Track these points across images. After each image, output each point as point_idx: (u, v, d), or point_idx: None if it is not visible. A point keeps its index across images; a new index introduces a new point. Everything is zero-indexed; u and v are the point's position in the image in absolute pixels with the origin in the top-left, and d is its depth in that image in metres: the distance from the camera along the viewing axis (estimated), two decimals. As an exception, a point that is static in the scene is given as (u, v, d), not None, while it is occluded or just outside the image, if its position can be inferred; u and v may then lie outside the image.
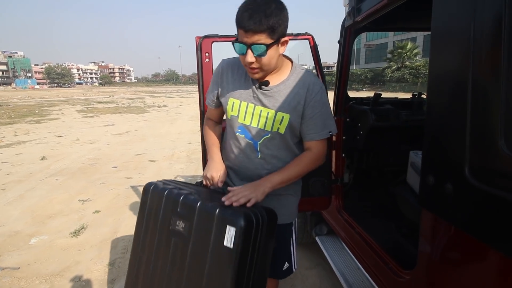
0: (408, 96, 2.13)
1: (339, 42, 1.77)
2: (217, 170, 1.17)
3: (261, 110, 1.11)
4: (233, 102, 1.14)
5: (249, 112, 1.13)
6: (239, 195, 1.01)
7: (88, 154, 6.13)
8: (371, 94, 2.08)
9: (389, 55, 31.89)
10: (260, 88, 1.10)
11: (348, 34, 1.69)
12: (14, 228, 3.00)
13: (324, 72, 1.78)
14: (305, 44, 1.74)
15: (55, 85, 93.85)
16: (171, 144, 6.89)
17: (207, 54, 1.67)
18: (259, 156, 1.15)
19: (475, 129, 0.73)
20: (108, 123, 10.91)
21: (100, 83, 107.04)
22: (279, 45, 1.02)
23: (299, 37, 1.70)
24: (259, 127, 1.12)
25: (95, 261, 2.43)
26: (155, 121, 11.36)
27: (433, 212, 0.91)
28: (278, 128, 1.11)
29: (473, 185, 0.74)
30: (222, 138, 1.33)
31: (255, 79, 1.11)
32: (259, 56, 0.99)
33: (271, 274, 1.26)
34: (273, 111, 1.10)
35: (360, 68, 39.84)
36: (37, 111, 15.75)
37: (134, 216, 3.21)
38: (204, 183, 1.20)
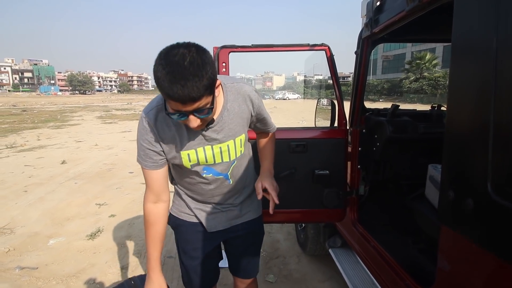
0: (426, 107, 2.09)
1: (356, 53, 1.77)
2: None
3: (220, 147, 1.07)
4: (188, 154, 1.04)
5: (208, 155, 1.07)
6: (274, 192, 1.21)
7: (106, 159, 6.29)
8: (387, 105, 2.06)
9: (407, 66, 31.45)
10: (208, 128, 1.01)
11: (365, 45, 1.69)
12: (34, 229, 3.10)
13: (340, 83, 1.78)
14: (320, 54, 1.75)
15: (77, 92, 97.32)
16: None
17: (224, 64, 1.71)
18: (231, 182, 1.18)
19: (498, 143, 0.71)
20: (125, 129, 11.18)
21: (119, 91, 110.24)
22: (215, 90, 0.89)
23: (316, 48, 1.71)
24: (224, 161, 1.10)
25: (109, 264, 2.47)
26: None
27: (452, 228, 0.88)
28: (241, 151, 1.14)
29: (496, 201, 0.72)
30: (175, 181, 1.24)
31: None
32: (203, 117, 0.89)
33: (255, 274, 1.41)
34: (232, 141, 1.08)
35: (376, 79, 39.41)
36: (59, 116, 16.35)
37: (148, 222, 3.25)
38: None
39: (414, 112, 2.00)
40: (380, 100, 29.93)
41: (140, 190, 4.28)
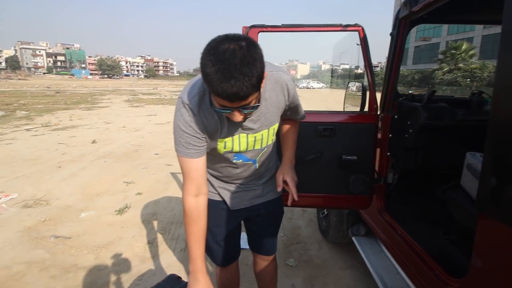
0: None
1: (391, 34, 1.69)
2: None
3: (255, 137, 1.08)
4: (225, 142, 1.05)
5: (243, 143, 1.08)
6: (294, 188, 1.24)
7: (133, 140, 6.50)
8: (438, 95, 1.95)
9: (440, 56, 29.78)
10: (245, 119, 0.98)
11: (402, 26, 1.60)
12: (67, 202, 3.29)
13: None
14: (348, 41, 1.68)
15: (105, 76, 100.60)
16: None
17: None
18: (257, 166, 1.20)
19: None
20: (151, 113, 11.47)
21: (145, 76, 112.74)
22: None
23: (349, 29, 1.64)
24: (255, 148, 1.12)
25: (136, 238, 2.58)
26: (195, 113, 11.70)
27: (492, 216, 0.84)
28: (272, 139, 1.17)
29: None
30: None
31: None
32: (249, 112, 0.89)
33: (274, 251, 1.46)
34: (266, 130, 1.09)
35: (407, 69, 37.71)
36: (89, 99, 17.02)
37: (172, 200, 3.36)
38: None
39: (452, 98, 1.89)
40: (410, 91, 28.64)
41: (165, 171, 4.41)
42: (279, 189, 1.26)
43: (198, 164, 1.03)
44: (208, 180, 1.24)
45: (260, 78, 0.80)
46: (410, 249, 1.37)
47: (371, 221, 1.83)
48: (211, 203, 1.25)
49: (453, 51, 27.72)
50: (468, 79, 24.80)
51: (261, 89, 0.86)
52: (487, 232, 0.88)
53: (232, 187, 1.25)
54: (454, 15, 1.75)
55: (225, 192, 1.25)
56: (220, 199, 1.26)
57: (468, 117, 1.58)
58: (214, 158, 1.15)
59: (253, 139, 1.08)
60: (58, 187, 3.72)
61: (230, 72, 0.74)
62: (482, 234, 0.89)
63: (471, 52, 27.15)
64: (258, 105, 0.88)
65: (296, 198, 1.23)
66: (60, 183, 3.87)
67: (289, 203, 1.25)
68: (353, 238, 2.04)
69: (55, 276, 2.07)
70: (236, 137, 1.05)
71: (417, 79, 32.06)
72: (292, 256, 2.36)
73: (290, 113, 1.22)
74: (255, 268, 1.53)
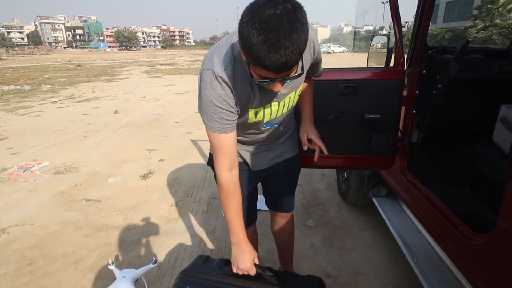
0: None
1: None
2: (249, 261, 1.04)
3: (284, 102, 1.05)
4: (256, 112, 1.02)
5: (274, 111, 1.05)
6: (322, 143, 1.23)
7: (153, 110, 6.60)
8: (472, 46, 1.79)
9: (475, 12, 27.31)
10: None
11: None
12: (94, 169, 3.45)
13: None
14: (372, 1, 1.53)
15: (123, 48, 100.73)
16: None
17: None
18: (281, 129, 1.21)
19: None
20: (170, 83, 11.51)
21: (162, 46, 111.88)
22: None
23: None
24: (283, 112, 1.10)
25: (160, 201, 2.69)
26: (212, 82, 11.63)
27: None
28: (296, 100, 1.12)
29: None
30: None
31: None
32: (291, 81, 0.84)
33: (292, 208, 1.48)
34: (293, 93, 1.06)
35: (436, 28, 35.05)
36: (109, 71, 17.22)
37: (193, 167, 3.44)
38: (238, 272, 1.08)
39: (488, 49, 1.73)
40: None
41: (185, 138, 4.48)
42: (305, 148, 1.25)
43: (231, 139, 0.99)
44: None
45: (306, 44, 0.72)
46: (434, 207, 1.34)
47: (393, 182, 1.79)
48: None
49: (489, 6, 25.31)
50: (505, 37, 22.79)
51: None
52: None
53: (253, 149, 1.24)
54: None
55: (246, 154, 1.24)
56: (241, 161, 1.25)
57: (505, 68, 1.44)
58: (241, 126, 1.09)
59: (283, 104, 1.06)
60: (85, 155, 3.90)
61: (280, 41, 0.66)
62: (513, 187, 0.84)
63: (510, 6, 24.67)
64: (302, 73, 0.83)
65: (326, 152, 1.23)
66: (87, 151, 4.04)
67: (315, 159, 1.24)
68: (374, 199, 2.03)
69: (88, 235, 2.22)
70: (268, 105, 1.02)
71: (447, 38, 29.83)
72: (311, 217, 2.39)
73: (311, 70, 1.16)
74: (273, 227, 1.57)
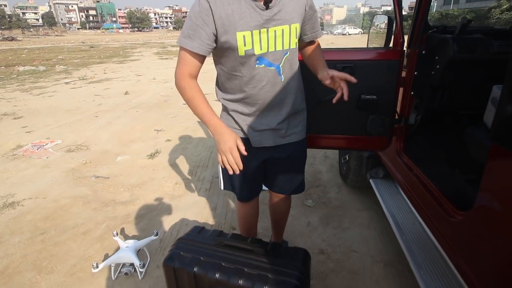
0: None
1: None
2: (230, 140, 1.06)
3: (275, 31, 1.04)
4: (244, 36, 1.01)
5: (263, 39, 1.04)
6: (350, 76, 1.15)
7: (162, 91, 6.67)
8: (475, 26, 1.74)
9: (500, -9, 25.80)
10: (267, 7, 1.00)
11: None
12: (104, 147, 3.57)
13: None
14: None
15: (136, 29, 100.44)
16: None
17: None
18: (283, 79, 1.14)
19: None
20: (180, 64, 11.49)
21: (174, 28, 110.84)
22: None
23: None
24: (277, 49, 1.08)
25: (166, 179, 2.79)
26: (223, 64, 11.58)
27: (504, 145, 0.79)
28: (295, 42, 1.12)
29: None
30: (222, 85, 1.23)
31: (255, 2, 1.00)
32: None
33: (297, 189, 1.48)
34: (287, 26, 1.06)
35: (458, 8, 33.37)
36: (121, 52, 17.31)
37: (199, 147, 3.51)
38: (225, 161, 1.07)
39: (490, 28, 1.68)
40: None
41: (192, 120, 4.54)
42: (327, 82, 1.17)
43: (197, 62, 1.06)
44: (231, 116, 1.24)
45: None
46: (423, 187, 1.36)
47: (389, 163, 1.81)
48: None
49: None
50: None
51: None
52: (497, 164, 0.84)
53: (255, 123, 1.22)
54: None
55: (249, 129, 1.23)
56: (244, 136, 1.25)
57: (505, 49, 1.40)
58: (236, 70, 1.11)
59: (273, 34, 1.04)
60: (96, 134, 4.02)
61: None
62: (492, 166, 0.86)
63: (539, -16, 23.17)
64: None
65: (353, 79, 1.15)
66: (97, 130, 4.17)
67: (345, 97, 1.16)
68: (371, 180, 2.05)
69: (96, 209, 2.34)
70: (256, 31, 1.01)
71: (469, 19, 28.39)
72: (311, 197, 2.44)
73: (309, 26, 1.20)
74: (270, 203, 1.62)
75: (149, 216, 2.24)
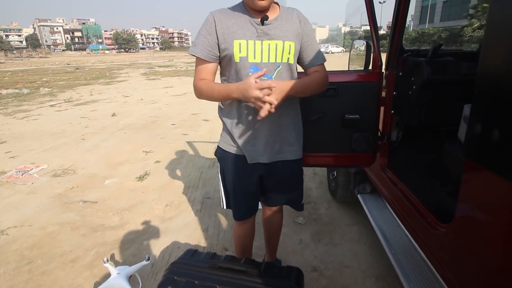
0: None
1: (397, -13, 1.61)
2: (247, 84, 1.07)
3: (269, 44, 1.16)
4: (240, 43, 1.15)
5: (257, 50, 1.16)
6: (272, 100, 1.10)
7: (150, 112, 6.68)
8: (445, 49, 1.88)
9: (471, 11, 27.44)
10: (262, 24, 1.15)
11: None
12: (92, 171, 3.53)
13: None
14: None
15: (122, 50, 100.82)
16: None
17: None
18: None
19: None
20: (168, 85, 11.59)
21: (161, 48, 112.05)
22: None
23: None
24: (270, 61, 1.18)
25: (156, 201, 2.77)
26: (210, 83, 11.72)
27: (476, 161, 0.86)
28: (288, 58, 1.20)
29: None
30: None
31: (253, 18, 1.16)
32: None
33: (293, 203, 1.53)
34: (281, 41, 1.17)
35: (433, 27, 35.17)
36: (107, 74, 17.31)
37: (188, 168, 3.52)
38: (259, 102, 1.07)
39: (459, 52, 1.82)
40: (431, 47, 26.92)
41: (181, 140, 4.56)
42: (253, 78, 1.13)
43: (208, 67, 1.22)
44: (230, 133, 1.30)
45: None
46: (408, 201, 1.42)
47: (375, 178, 1.88)
48: (232, 156, 1.34)
49: (485, 5, 25.41)
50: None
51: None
52: (471, 178, 0.91)
53: (251, 139, 1.28)
54: None
55: (244, 144, 1.28)
56: (241, 154, 1.31)
57: (473, 70, 1.52)
58: (232, 72, 1.21)
59: (267, 46, 1.16)
60: (83, 157, 3.98)
61: None
62: (467, 180, 0.92)
63: (506, 4, 24.74)
64: None
65: (274, 102, 1.08)
66: (84, 153, 4.12)
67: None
68: (358, 196, 2.11)
69: (85, 235, 2.30)
70: (251, 41, 1.15)
71: (444, 37, 29.97)
72: (301, 214, 2.47)
73: (306, 54, 1.26)
74: (263, 217, 1.66)
75: (139, 240, 2.22)
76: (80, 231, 2.34)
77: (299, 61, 1.29)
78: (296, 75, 1.28)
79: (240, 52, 1.16)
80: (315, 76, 1.27)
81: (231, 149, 1.33)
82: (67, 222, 2.47)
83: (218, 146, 1.41)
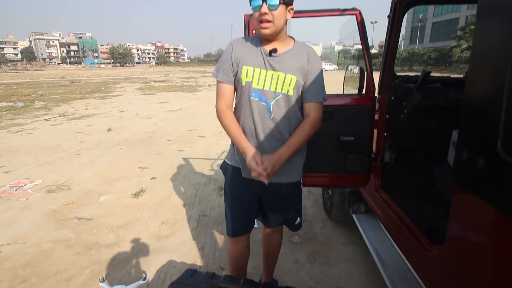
0: None
1: (388, 17, 1.72)
2: (249, 155, 1.25)
3: (272, 74, 1.28)
4: (247, 70, 1.28)
5: (261, 77, 1.28)
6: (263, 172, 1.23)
7: (146, 127, 6.71)
8: (434, 76, 1.98)
9: (459, 32, 28.53)
10: (270, 55, 1.27)
11: (398, 9, 1.63)
12: (87, 187, 3.51)
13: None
14: (348, 26, 1.72)
15: (118, 64, 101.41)
16: (219, 122, 7.21)
17: (254, 32, 1.76)
18: (271, 116, 1.31)
19: (511, 104, 0.73)
20: (163, 100, 11.66)
21: (156, 63, 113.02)
22: (287, 10, 1.23)
23: (346, 13, 1.69)
24: (271, 89, 1.29)
25: (152, 219, 2.77)
26: (205, 99, 11.84)
27: (464, 186, 0.92)
28: (288, 90, 1.29)
29: (505, 160, 0.75)
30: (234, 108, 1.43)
31: (264, 49, 1.28)
32: (272, 8, 1.17)
33: (289, 224, 1.57)
34: (283, 74, 1.27)
35: (423, 47, 36.34)
36: (103, 88, 17.36)
37: (184, 184, 3.53)
38: (253, 168, 1.22)
39: (447, 78, 1.92)
40: (428, 70, 27.73)
41: (177, 156, 4.58)
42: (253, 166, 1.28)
43: (227, 88, 1.34)
44: (235, 148, 1.41)
45: None
46: (401, 222, 1.47)
47: (369, 199, 1.93)
48: (231, 169, 1.45)
49: (472, 27, 26.47)
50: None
51: (286, 11, 1.22)
52: (460, 202, 0.96)
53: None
54: None
55: (242, 160, 1.35)
56: (237, 166, 1.42)
57: (461, 96, 1.62)
58: (239, 99, 1.35)
59: (270, 76, 1.28)
60: (78, 173, 3.96)
61: None
62: (456, 204, 0.98)
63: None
64: (280, 4, 1.17)
65: (263, 173, 1.22)
66: (80, 169, 4.11)
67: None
68: (353, 215, 2.15)
69: (80, 253, 2.28)
70: (257, 69, 1.28)
71: (433, 57, 30.93)
72: (297, 233, 2.49)
73: (304, 88, 1.33)
74: (262, 235, 1.70)
75: (135, 259, 2.20)
76: (75, 249, 2.32)
77: (302, 94, 1.35)
78: (296, 107, 1.34)
79: (246, 77, 1.29)
80: (304, 127, 1.33)
81: (233, 162, 1.45)
82: (61, 239, 2.45)
83: (224, 160, 1.52)
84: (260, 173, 1.21)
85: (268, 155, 1.28)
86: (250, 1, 1.21)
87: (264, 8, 1.17)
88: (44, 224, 2.69)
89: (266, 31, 1.22)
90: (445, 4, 2.16)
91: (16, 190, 3.41)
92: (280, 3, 1.18)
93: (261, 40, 1.31)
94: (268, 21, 1.19)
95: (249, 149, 1.27)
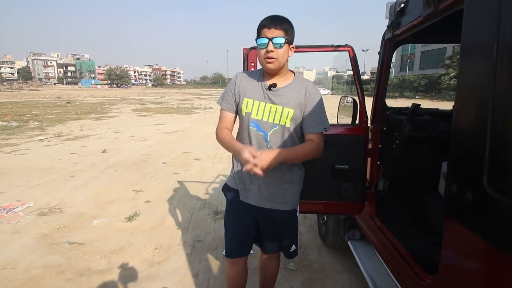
0: None
1: (379, 53, 1.83)
2: (244, 152, 1.21)
3: (270, 107, 1.37)
4: (247, 101, 1.38)
5: (260, 109, 1.37)
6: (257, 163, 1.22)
7: (141, 150, 6.71)
8: (424, 102, 2.09)
9: (447, 61, 29.72)
10: (269, 89, 1.36)
11: (387, 46, 1.75)
12: (80, 210, 3.47)
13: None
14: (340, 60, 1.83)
15: (114, 85, 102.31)
16: (215, 145, 7.18)
17: (252, 64, 1.85)
18: (268, 145, 1.38)
19: (494, 142, 0.79)
20: (159, 122, 11.73)
21: (153, 85, 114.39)
22: (289, 48, 1.34)
23: (340, 49, 1.79)
24: (269, 120, 1.37)
25: (145, 244, 2.73)
26: (201, 122, 11.96)
27: (454, 219, 0.96)
28: (285, 122, 1.37)
29: (490, 194, 0.80)
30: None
31: (265, 83, 1.38)
32: (277, 47, 1.28)
33: (285, 251, 1.60)
34: (281, 107, 1.36)
35: (413, 75, 37.61)
36: (99, 109, 17.43)
37: (179, 207, 3.51)
38: (248, 167, 1.19)
39: (436, 111, 2.02)
40: (416, 97, 28.57)
41: (172, 179, 4.57)
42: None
43: (229, 117, 1.45)
44: (233, 169, 1.52)
45: (291, 30, 1.32)
46: (396, 251, 1.49)
47: (364, 226, 1.95)
48: (231, 191, 1.52)
49: (459, 56, 27.62)
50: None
51: (289, 49, 1.33)
52: (451, 233, 1.00)
53: (244, 180, 1.45)
54: (431, 37, 1.89)
55: (240, 182, 1.47)
56: (236, 188, 1.49)
57: (449, 129, 1.70)
58: (240, 127, 1.45)
59: (269, 109, 1.36)
60: (71, 195, 3.91)
61: (273, 16, 1.30)
62: (447, 235, 1.02)
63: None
64: (284, 42, 1.28)
65: (258, 166, 1.19)
66: (73, 191, 4.06)
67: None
68: (349, 242, 2.16)
69: (70, 279, 2.22)
70: (256, 101, 1.37)
71: (423, 84, 31.93)
72: (292, 260, 2.47)
73: (303, 122, 1.39)
74: (259, 261, 1.72)
75: (127, 287, 2.16)
76: (66, 275, 2.27)
77: (302, 126, 1.41)
78: (294, 138, 1.39)
79: (246, 108, 1.38)
80: (305, 145, 1.37)
81: (233, 184, 1.52)
82: (52, 265, 2.39)
83: (225, 182, 1.60)
84: (256, 163, 1.17)
85: (266, 150, 1.34)
86: (256, 40, 1.32)
87: (270, 47, 1.27)
88: (34, 249, 2.63)
89: (270, 66, 1.31)
90: (431, 43, 2.30)
91: (7, 212, 3.35)
92: (285, 41, 1.28)
93: (263, 74, 1.41)
94: (273, 58, 1.29)
95: (243, 147, 1.26)
